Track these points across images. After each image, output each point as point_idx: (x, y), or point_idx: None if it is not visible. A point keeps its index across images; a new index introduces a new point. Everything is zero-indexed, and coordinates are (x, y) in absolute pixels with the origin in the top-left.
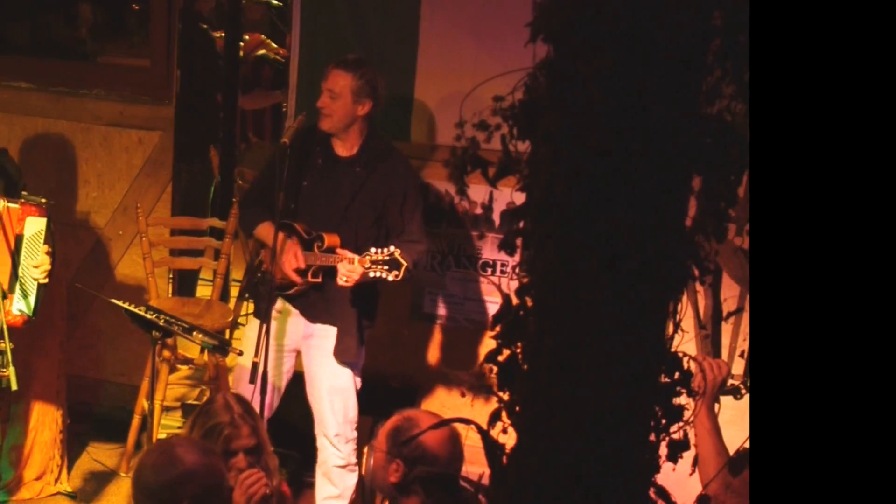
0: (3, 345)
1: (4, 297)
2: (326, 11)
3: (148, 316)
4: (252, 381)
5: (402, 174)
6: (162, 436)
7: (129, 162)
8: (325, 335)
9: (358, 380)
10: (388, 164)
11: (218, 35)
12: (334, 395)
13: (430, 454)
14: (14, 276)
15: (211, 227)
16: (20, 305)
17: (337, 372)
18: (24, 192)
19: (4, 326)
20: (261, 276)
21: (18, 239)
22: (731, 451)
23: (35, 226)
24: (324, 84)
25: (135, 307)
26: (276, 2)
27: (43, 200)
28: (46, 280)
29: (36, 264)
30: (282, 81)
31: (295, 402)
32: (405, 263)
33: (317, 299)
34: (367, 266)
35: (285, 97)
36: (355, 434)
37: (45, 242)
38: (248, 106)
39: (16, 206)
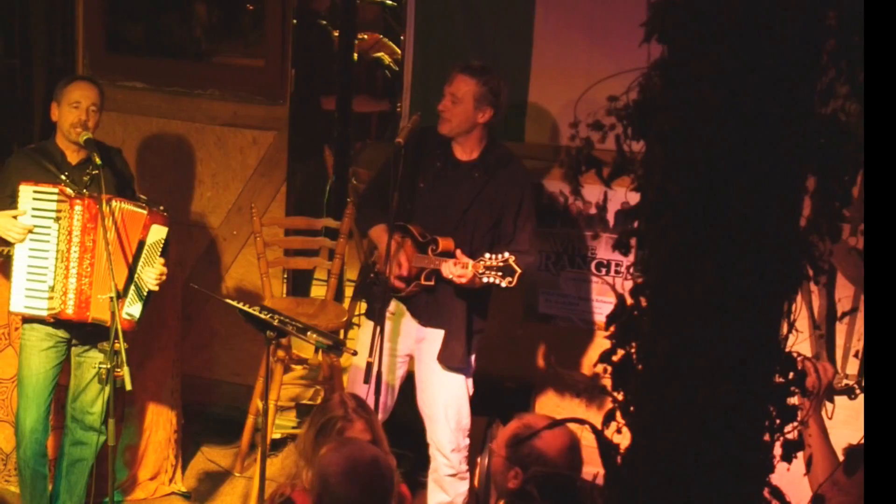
0: (117, 345)
1: (120, 297)
2: (440, 12)
3: (262, 316)
4: (366, 381)
5: (520, 182)
6: (276, 436)
7: (244, 162)
8: (436, 340)
9: (470, 386)
10: (507, 170)
11: (334, 34)
12: (447, 403)
13: (549, 462)
14: (130, 279)
15: (325, 227)
16: (131, 310)
17: (448, 378)
18: (142, 196)
19: (120, 327)
20: (373, 277)
21: (140, 244)
22: (840, 451)
23: (158, 234)
24: (447, 88)
25: (249, 307)
26: (390, 2)
27: (161, 208)
28: (158, 288)
29: (153, 272)
30: (393, 88)
31: (408, 403)
32: (519, 270)
33: (428, 303)
34: (480, 271)
35: (392, 104)
36: (467, 441)
37: (162, 252)
38: (356, 108)
39: (143, 211)
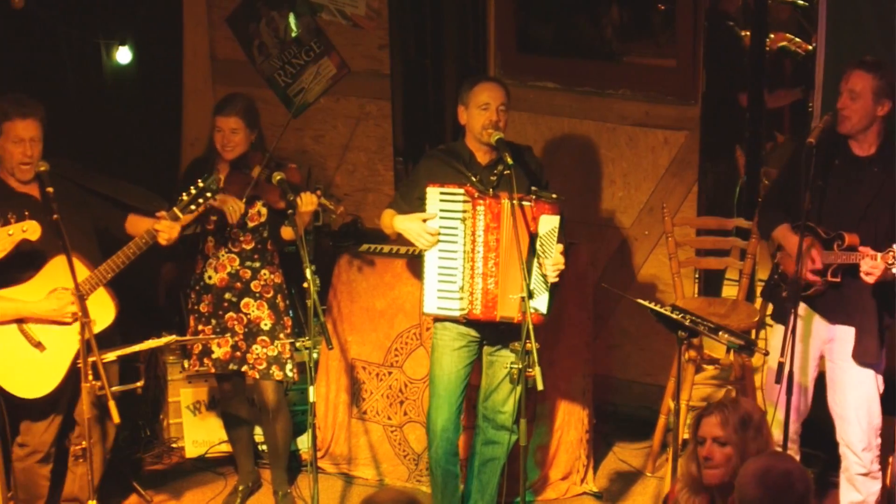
0: (529, 345)
1: (531, 296)
2: (852, 11)
3: (674, 316)
4: (777, 381)
5: None
6: (687, 436)
7: (655, 162)
8: (846, 338)
9: (880, 383)
10: None
11: (744, 34)
12: (858, 401)
13: None
14: (528, 274)
15: (737, 227)
16: (535, 304)
17: (860, 378)
18: (533, 188)
19: (531, 327)
20: (777, 278)
21: (533, 237)
22: None
23: (549, 223)
24: (843, 85)
25: (661, 307)
26: (801, 1)
27: (554, 196)
28: (558, 279)
29: (551, 262)
30: (802, 77)
31: (819, 403)
32: None
33: (835, 299)
34: (889, 262)
35: (805, 94)
36: (878, 440)
37: (558, 241)
38: (769, 104)
39: (529, 203)
